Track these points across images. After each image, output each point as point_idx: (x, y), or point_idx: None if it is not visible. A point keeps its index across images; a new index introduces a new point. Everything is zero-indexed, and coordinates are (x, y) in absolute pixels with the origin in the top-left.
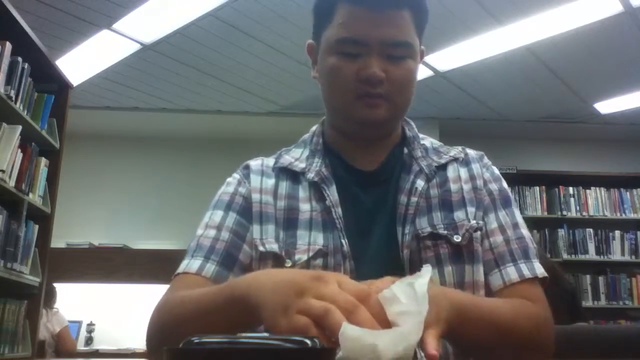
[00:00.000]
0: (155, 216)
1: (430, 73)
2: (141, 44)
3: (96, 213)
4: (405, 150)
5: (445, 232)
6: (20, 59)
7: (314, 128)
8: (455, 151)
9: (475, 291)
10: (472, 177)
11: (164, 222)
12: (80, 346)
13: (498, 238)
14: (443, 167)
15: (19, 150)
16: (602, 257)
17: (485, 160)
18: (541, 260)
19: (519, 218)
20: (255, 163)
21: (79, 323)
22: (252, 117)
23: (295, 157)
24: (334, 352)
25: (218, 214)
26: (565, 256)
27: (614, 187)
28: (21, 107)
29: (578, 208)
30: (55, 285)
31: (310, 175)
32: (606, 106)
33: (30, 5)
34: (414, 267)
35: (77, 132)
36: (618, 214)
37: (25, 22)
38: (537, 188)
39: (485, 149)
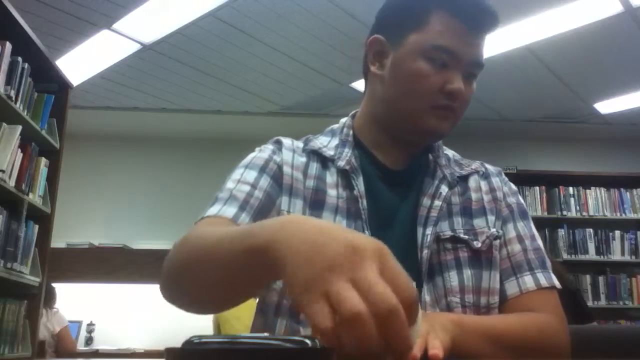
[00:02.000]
0: (155, 216)
1: None
2: (141, 44)
3: (96, 213)
4: (430, 157)
5: (466, 237)
6: (20, 59)
7: (344, 120)
8: (476, 165)
9: (491, 297)
10: (492, 189)
11: (164, 222)
12: (80, 346)
13: (516, 247)
14: (464, 179)
15: (19, 150)
16: (602, 257)
17: (504, 175)
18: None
19: (535, 231)
20: (286, 140)
21: (79, 323)
22: (252, 117)
23: (324, 143)
24: (334, 352)
25: (251, 174)
26: (565, 256)
27: (614, 187)
28: (21, 107)
29: (578, 208)
30: (55, 285)
31: (341, 163)
32: (606, 106)
33: (30, 5)
34: (432, 269)
35: (77, 132)
36: (618, 214)
37: (25, 22)
38: (537, 188)
39: (485, 149)
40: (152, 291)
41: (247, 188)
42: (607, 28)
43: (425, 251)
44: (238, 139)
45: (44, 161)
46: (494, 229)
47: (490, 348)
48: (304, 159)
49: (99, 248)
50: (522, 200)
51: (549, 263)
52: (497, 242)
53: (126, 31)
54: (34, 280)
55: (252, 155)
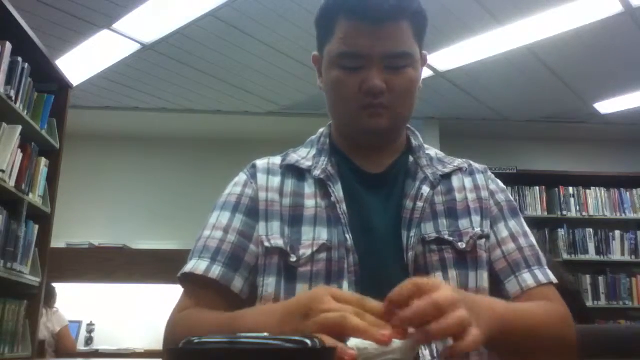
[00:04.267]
0: (155, 216)
1: (430, 73)
2: (141, 44)
3: (96, 213)
4: (411, 159)
5: (451, 238)
6: (20, 59)
7: (321, 130)
8: (459, 161)
9: None
10: (476, 187)
11: (164, 222)
12: (80, 346)
13: (510, 246)
14: (447, 177)
15: (19, 150)
16: (602, 257)
17: (489, 173)
18: (546, 256)
19: (527, 228)
20: (261, 162)
21: (79, 323)
22: (252, 117)
23: (302, 155)
24: (334, 352)
25: (225, 216)
26: (565, 256)
27: (614, 187)
28: (21, 107)
29: (578, 208)
30: (55, 285)
31: (317, 173)
32: (606, 106)
33: (30, 5)
34: (419, 270)
35: (77, 132)
36: (618, 214)
37: (25, 22)
38: (537, 188)
39: (485, 149)
40: (152, 291)
41: (219, 234)
42: (607, 28)
43: (411, 253)
44: (238, 138)
45: (44, 161)
46: (479, 229)
47: (525, 340)
48: (279, 178)
49: (99, 248)
50: (511, 197)
51: (544, 259)
52: (482, 241)
53: (126, 31)
54: (34, 280)
55: (227, 191)
